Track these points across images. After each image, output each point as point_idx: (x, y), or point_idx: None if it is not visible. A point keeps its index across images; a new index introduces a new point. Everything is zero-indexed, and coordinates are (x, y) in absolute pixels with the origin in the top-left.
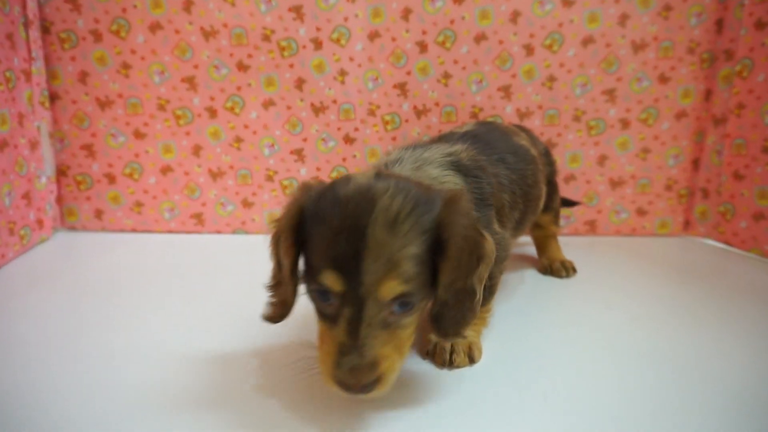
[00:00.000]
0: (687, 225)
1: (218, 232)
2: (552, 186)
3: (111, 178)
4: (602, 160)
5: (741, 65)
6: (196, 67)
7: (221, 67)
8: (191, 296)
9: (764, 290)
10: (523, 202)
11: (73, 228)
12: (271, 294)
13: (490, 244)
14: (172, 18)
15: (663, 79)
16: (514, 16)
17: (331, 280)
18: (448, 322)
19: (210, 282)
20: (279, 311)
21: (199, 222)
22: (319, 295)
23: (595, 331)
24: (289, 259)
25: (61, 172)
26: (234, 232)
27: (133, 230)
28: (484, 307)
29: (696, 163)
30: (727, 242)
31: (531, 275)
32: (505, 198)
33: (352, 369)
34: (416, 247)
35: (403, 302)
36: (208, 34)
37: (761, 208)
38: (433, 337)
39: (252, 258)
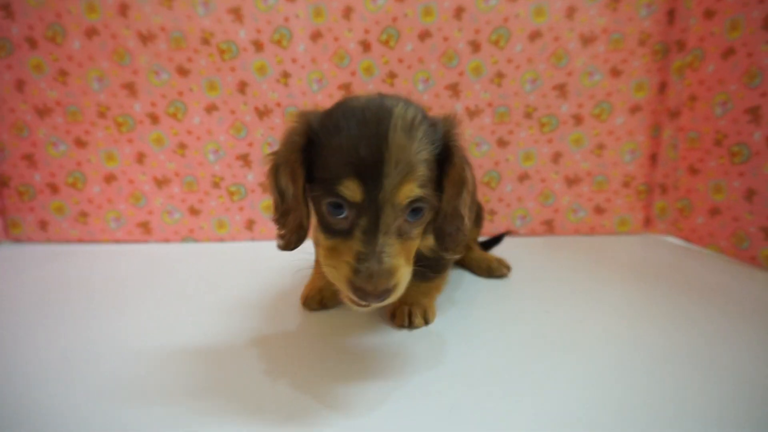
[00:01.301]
0: (647, 222)
1: (166, 240)
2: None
3: (54, 188)
4: (556, 157)
5: (692, 56)
6: (135, 72)
7: (161, 72)
8: (141, 307)
9: (719, 288)
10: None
11: (18, 240)
12: (280, 226)
13: (472, 175)
14: (108, 22)
15: (615, 73)
16: (458, 12)
17: (351, 189)
18: (448, 237)
19: (159, 292)
20: (295, 237)
21: (146, 231)
22: (332, 210)
23: (541, 333)
24: (300, 180)
25: (2, 183)
26: (183, 240)
27: (80, 241)
28: (438, 278)
29: (653, 158)
30: (686, 239)
31: (470, 279)
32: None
33: (371, 275)
34: (428, 153)
35: (416, 208)
36: (145, 39)
37: (716, 203)
38: (394, 304)
39: (201, 266)
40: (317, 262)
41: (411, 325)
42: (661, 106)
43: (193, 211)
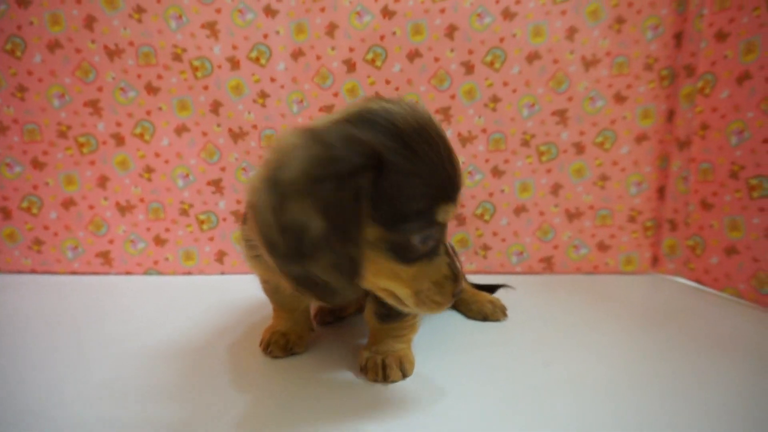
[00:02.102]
0: (655, 261)
1: (128, 272)
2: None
3: (6, 213)
4: (556, 189)
5: (703, 81)
6: (100, 89)
7: (128, 90)
8: (96, 345)
9: (738, 337)
10: None
11: None
12: (288, 265)
13: None
14: (73, 36)
15: (619, 99)
16: (451, 31)
17: (448, 212)
18: None
19: (118, 329)
20: (342, 283)
21: (106, 262)
22: (423, 239)
23: (538, 387)
24: (364, 215)
25: None
26: (146, 272)
27: (33, 271)
28: (408, 315)
29: (661, 192)
30: (698, 280)
31: (459, 321)
32: None
33: (461, 276)
34: None
35: None
36: (112, 54)
37: (733, 242)
38: (366, 353)
39: (162, 302)
40: (274, 308)
41: (386, 379)
42: (669, 136)
43: (159, 241)
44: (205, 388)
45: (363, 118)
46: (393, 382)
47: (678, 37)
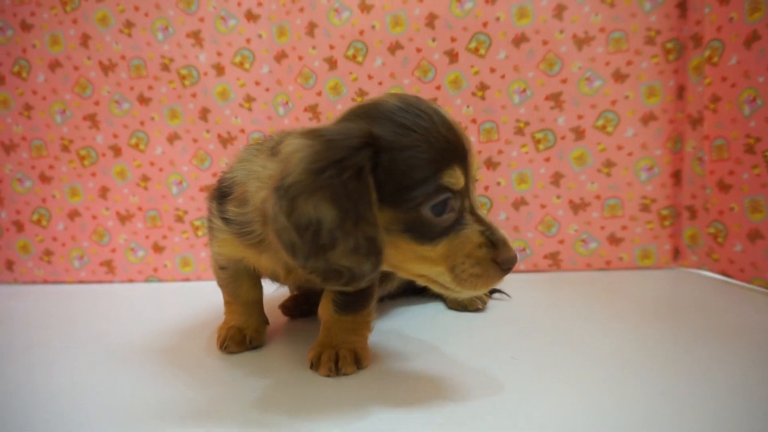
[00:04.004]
0: (677, 254)
1: (130, 280)
2: None
3: (19, 226)
4: (557, 178)
5: (710, 49)
6: (97, 103)
7: (122, 102)
8: (105, 353)
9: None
10: None
11: None
12: (316, 266)
13: None
14: (71, 54)
15: (619, 77)
16: (431, 20)
17: (457, 176)
18: None
19: (113, 334)
20: (369, 265)
21: (109, 270)
22: (439, 210)
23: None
24: (373, 196)
25: None
26: (147, 280)
27: (45, 281)
28: (367, 308)
29: (677, 176)
30: (724, 272)
31: (437, 312)
32: None
33: (506, 244)
34: None
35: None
36: (106, 68)
37: (755, 225)
38: (317, 348)
39: (165, 308)
40: (227, 301)
41: (339, 372)
42: (680, 114)
43: (157, 248)
44: (174, 383)
45: (353, 112)
46: (345, 374)
47: (682, 6)
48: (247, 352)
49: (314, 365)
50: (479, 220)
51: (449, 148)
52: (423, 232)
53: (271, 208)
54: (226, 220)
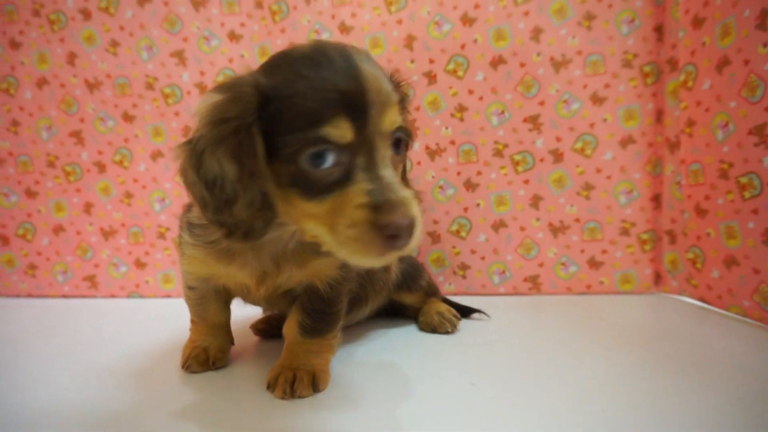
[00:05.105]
0: (658, 279)
1: (113, 296)
2: (408, 263)
3: (5, 240)
4: (536, 201)
5: (685, 74)
6: (82, 120)
7: (107, 119)
8: (81, 368)
9: (745, 361)
10: None
11: None
12: (220, 221)
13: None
14: (57, 72)
15: (597, 100)
16: (409, 41)
17: (341, 128)
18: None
19: (100, 351)
20: (261, 221)
21: (92, 285)
22: (315, 162)
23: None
24: (260, 149)
25: None
26: (129, 295)
27: (29, 295)
28: (332, 332)
29: (656, 200)
30: (702, 299)
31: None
32: None
33: (394, 206)
34: (392, 86)
35: (398, 140)
36: (92, 86)
37: (731, 251)
38: (276, 369)
39: (146, 324)
40: (193, 320)
41: (294, 394)
42: (659, 138)
43: (139, 264)
44: (137, 400)
45: (266, 62)
46: (301, 397)
47: (659, 30)
48: (211, 372)
49: (271, 386)
50: (374, 179)
51: (340, 98)
52: (308, 187)
53: (182, 163)
54: (191, 230)
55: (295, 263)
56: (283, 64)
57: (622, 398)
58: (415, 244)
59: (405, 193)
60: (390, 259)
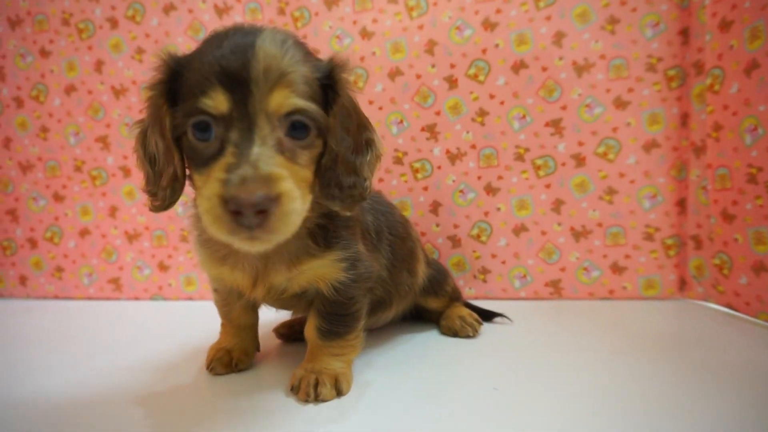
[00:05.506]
0: (683, 285)
1: (136, 298)
2: (435, 269)
3: (33, 243)
4: (558, 205)
5: (711, 77)
6: (108, 126)
7: (131, 125)
8: (105, 368)
9: None
10: (391, 241)
11: (0, 295)
12: (153, 193)
13: (379, 139)
14: (85, 79)
15: (620, 104)
16: (430, 47)
17: (214, 99)
18: (334, 181)
19: (125, 353)
20: (170, 191)
21: (117, 287)
22: (199, 134)
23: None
24: (167, 122)
25: None
26: (152, 298)
27: (55, 297)
28: (353, 333)
29: (681, 205)
30: (729, 305)
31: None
32: (369, 220)
33: (244, 180)
34: (308, 71)
35: (298, 124)
36: (118, 93)
37: (760, 257)
38: (299, 372)
39: (169, 327)
40: (222, 322)
41: (317, 398)
42: (685, 142)
43: (163, 267)
44: (151, 403)
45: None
46: (324, 401)
47: (684, 34)
48: (236, 374)
49: (294, 389)
50: (240, 154)
51: (220, 71)
52: (195, 159)
53: (134, 143)
54: (195, 226)
55: (284, 263)
56: (202, 43)
57: (646, 406)
58: (281, 228)
59: (270, 170)
60: (253, 245)
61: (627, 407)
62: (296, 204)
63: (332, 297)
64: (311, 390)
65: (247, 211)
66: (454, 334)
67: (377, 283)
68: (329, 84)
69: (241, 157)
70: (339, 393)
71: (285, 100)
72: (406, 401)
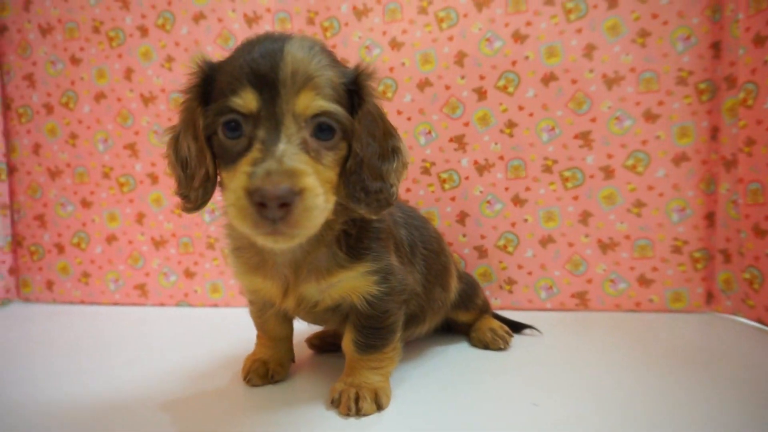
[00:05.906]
0: (710, 298)
1: (162, 304)
2: (466, 282)
3: (60, 248)
4: (585, 217)
5: (744, 92)
6: (137, 133)
7: (161, 132)
8: (133, 376)
9: None
10: (425, 256)
11: (27, 299)
12: (186, 196)
13: (405, 147)
14: (115, 87)
15: (650, 117)
16: (460, 58)
17: (244, 98)
18: (360, 185)
19: (152, 360)
20: (201, 191)
21: (143, 293)
22: (229, 132)
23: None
24: (200, 124)
25: (17, 243)
26: (177, 304)
27: (82, 302)
28: (389, 346)
29: (710, 218)
30: (759, 320)
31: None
32: (402, 234)
33: (269, 173)
34: (335, 76)
35: (324, 126)
36: (147, 100)
37: None
38: (339, 385)
39: (195, 334)
40: (257, 334)
41: (359, 412)
42: (714, 155)
43: (189, 274)
44: (188, 412)
45: None
46: (365, 415)
47: (716, 47)
48: (272, 386)
49: (335, 402)
50: (267, 150)
51: (250, 73)
52: (225, 156)
53: (166, 148)
54: (229, 234)
55: (314, 273)
56: (235, 50)
57: (678, 421)
58: (303, 222)
59: (294, 165)
60: (276, 240)
61: (658, 422)
62: (319, 200)
63: (366, 311)
64: (352, 404)
65: (271, 203)
66: (485, 346)
67: (411, 296)
68: (355, 90)
69: (267, 153)
70: (379, 407)
71: (311, 102)
72: (447, 416)
